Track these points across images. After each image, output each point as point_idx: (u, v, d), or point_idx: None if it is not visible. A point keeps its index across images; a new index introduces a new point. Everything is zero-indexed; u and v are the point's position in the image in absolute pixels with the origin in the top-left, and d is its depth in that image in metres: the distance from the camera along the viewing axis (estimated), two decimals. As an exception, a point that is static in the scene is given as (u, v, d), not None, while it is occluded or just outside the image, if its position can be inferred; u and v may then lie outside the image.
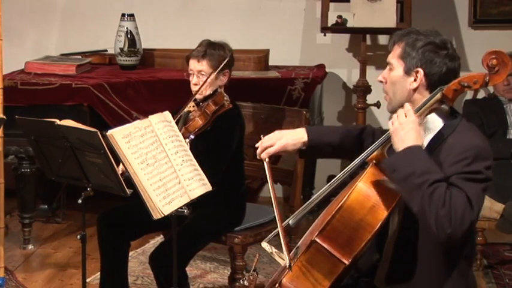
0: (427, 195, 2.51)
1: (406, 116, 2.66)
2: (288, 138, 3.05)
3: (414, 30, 2.79)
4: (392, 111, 2.79)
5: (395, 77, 2.77)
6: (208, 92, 3.92)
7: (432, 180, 2.53)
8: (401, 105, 2.75)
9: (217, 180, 3.71)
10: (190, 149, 3.45)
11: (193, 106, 3.89)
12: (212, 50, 3.91)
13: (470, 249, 2.76)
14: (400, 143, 2.63)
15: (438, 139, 2.69)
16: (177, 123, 3.72)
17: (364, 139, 3.08)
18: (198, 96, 3.92)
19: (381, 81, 2.84)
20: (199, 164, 3.39)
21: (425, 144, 2.71)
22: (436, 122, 2.73)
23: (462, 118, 2.74)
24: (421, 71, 2.71)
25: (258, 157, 3.07)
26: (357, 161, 2.83)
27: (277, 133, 3.07)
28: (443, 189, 2.52)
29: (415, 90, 2.74)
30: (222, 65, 3.87)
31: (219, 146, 3.87)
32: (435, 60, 2.71)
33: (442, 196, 2.51)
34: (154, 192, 3.18)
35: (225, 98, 3.95)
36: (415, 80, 2.73)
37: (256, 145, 3.07)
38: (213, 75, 3.88)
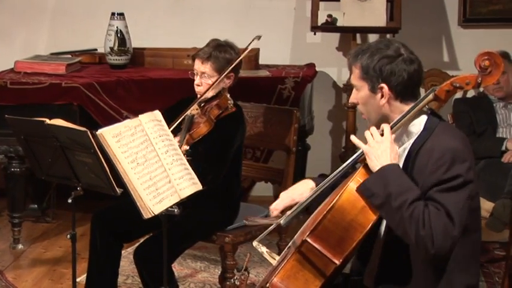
0: (406, 217, 2.53)
1: (382, 135, 2.69)
2: (293, 190, 3.05)
3: (365, 47, 2.79)
4: (376, 126, 2.81)
5: (364, 98, 2.79)
6: (211, 94, 3.89)
7: (410, 201, 2.55)
8: (381, 120, 2.78)
9: (217, 184, 3.71)
10: (191, 151, 3.44)
11: (196, 109, 3.86)
12: (218, 53, 3.86)
13: (471, 250, 2.74)
14: (375, 162, 2.65)
15: (418, 143, 2.70)
16: (179, 125, 3.72)
17: None
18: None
19: (354, 103, 2.86)
20: (199, 168, 3.38)
21: (407, 149, 2.72)
22: (417, 126, 2.74)
23: (441, 120, 2.74)
24: (385, 86, 2.73)
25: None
26: (348, 161, 2.83)
27: (282, 192, 3.07)
28: (421, 209, 2.54)
29: (386, 105, 2.75)
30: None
31: (219, 150, 3.84)
32: (394, 71, 2.71)
33: (421, 217, 2.52)
34: (144, 192, 3.17)
35: (229, 101, 3.91)
36: (382, 96, 2.74)
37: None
38: (216, 81, 3.85)
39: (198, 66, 3.89)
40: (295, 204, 2.98)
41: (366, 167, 2.70)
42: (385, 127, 2.72)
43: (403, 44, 2.78)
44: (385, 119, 2.78)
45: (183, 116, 3.79)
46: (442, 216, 2.52)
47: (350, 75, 2.87)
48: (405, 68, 2.71)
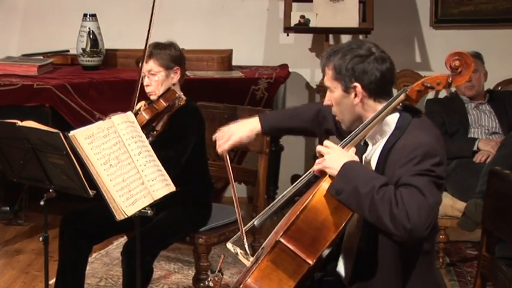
0: (377, 200, 2.53)
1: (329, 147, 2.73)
2: (241, 131, 3.19)
3: (337, 48, 2.80)
4: (349, 129, 2.82)
5: (338, 98, 2.79)
6: (161, 91, 3.94)
7: (378, 186, 2.55)
8: (355, 121, 2.79)
9: (176, 173, 3.70)
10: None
11: (144, 104, 3.93)
12: (158, 50, 3.94)
13: (431, 246, 2.77)
14: (336, 167, 2.65)
15: (390, 142, 2.71)
16: None
17: (321, 122, 3.15)
18: (153, 97, 3.94)
19: (329, 105, 2.85)
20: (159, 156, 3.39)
21: (380, 147, 2.74)
22: (391, 124, 2.75)
23: (413, 117, 2.75)
24: (358, 85, 2.73)
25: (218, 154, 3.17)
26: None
27: (230, 127, 3.19)
28: (391, 190, 2.55)
29: (359, 104, 2.76)
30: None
31: (174, 139, 3.87)
32: (366, 70, 2.72)
33: (393, 197, 2.53)
34: (117, 193, 3.16)
35: (177, 95, 3.95)
36: (356, 96, 2.75)
37: (213, 139, 3.19)
38: (164, 76, 3.92)
39: (143, 67, 3.95)
40: (241, 144, 3.17)
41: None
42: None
43: (375, 43, 2.79)
44: (359, 119, 2.79)
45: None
46: (414, 193, 2.53)
47: (323, 77, 2.86)
48: (377, 67, 2.72)
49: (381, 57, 2.74)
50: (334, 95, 2.79)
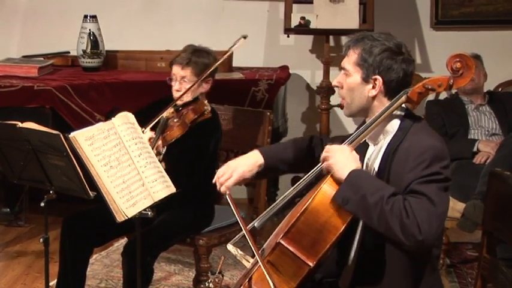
0: (386, 211, 2.52)
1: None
2: (243, 166, 2.97)
3: (368, 35, 2.78)
4: (351, 116, 2.82)
5: (353, 84, 2.76)
6: (189, 98, 3.89)
7: (387, 196, 2.54)
8: (361, 111, 2.78)
9: (189, 188, 3.69)
10: (165, 154, 3.43)
11: (172, 112, 3.86)
12: (197, 58, 3.85)
13: (438, 250, 2.78)
14: (342, 172, 2.64)
15: (394, 143, 2.70)
16: (153, 127, 3.71)
17: (314, 149, 3.08)
18: (178, 102, 3.88)
19: (337, 86, 2.83)
20: (171, 170, 3.37)
21: (383, 147, 2.73)
22: (394, 125, 2.75)
23: (415, 121, 2.74)
24: (380, 79, 2.71)
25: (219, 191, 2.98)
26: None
27: (231, 164, 2.98)
28: (401, 201, 2.54)
29: (374, 97, 2.75)
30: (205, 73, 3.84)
31: (193, 155, 3.83)
32: (393, 67, 2.71)
33: (402, 208, 2.52)
34: (117, 195, 3.16)
35: (206, 107, 3.91)
36: (373, 88, 2.73)
37: (214, 180, 2.99)
38: (194, 84, 3.84)
39: (177, 71, 3.87)
40: (243, 180, 2.98)
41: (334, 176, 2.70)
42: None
43: (403, 42, 2.78)
44: (365, 110, 2.78)
45: (159, 117, 3.78)
46: (424, 202, 2.52)
47: (344, 57, 2.81)
48: (403, 67, 2.71)
49: (408, 59, 2.74)
50: (350, 79, 2.77)
